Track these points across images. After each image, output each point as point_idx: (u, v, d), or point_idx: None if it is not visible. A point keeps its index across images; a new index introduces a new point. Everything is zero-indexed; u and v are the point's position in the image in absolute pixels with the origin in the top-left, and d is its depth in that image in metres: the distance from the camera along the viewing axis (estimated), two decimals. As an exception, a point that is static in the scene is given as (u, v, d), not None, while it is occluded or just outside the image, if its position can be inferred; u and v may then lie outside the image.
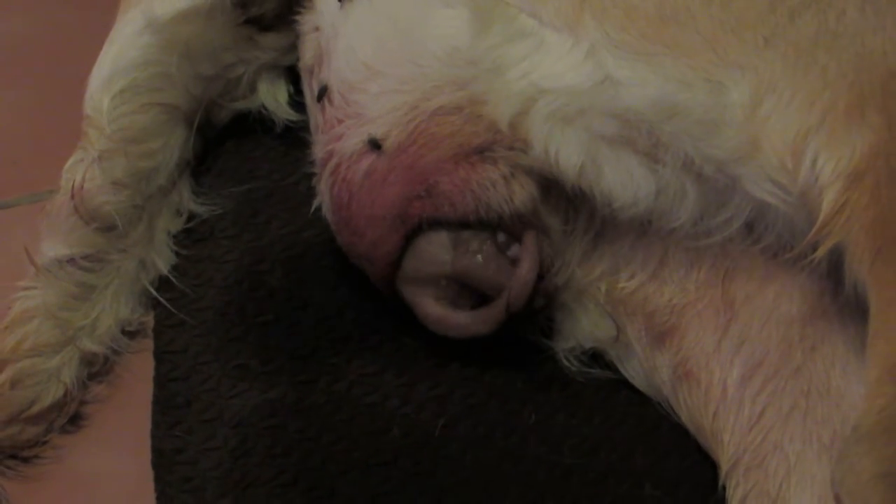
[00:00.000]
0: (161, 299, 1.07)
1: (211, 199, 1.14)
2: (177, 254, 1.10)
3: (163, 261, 1.09)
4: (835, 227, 0.81)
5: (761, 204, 0.86)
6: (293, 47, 1.13)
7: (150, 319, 1.07)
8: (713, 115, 0.85)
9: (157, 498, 0.94)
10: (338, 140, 0.98)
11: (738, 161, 0.85)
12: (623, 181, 0.89)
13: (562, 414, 0.98)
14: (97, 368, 1.04)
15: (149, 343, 1.05)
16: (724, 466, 0.91)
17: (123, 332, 1.06)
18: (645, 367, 0.98)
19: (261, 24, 1.15)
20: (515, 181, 0.93)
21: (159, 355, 1.03)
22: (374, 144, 0.95)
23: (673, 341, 0.95)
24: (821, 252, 0.82)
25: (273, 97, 1.19)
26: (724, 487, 0.91)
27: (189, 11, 1.10)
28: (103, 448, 0.99)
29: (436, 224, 0.95)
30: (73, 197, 1.04)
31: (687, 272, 0.95)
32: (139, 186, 1.07)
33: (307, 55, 1.06)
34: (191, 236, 1.12)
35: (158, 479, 0.95)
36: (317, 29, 1.04)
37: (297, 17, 1.09)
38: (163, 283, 1.08)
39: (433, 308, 0.98)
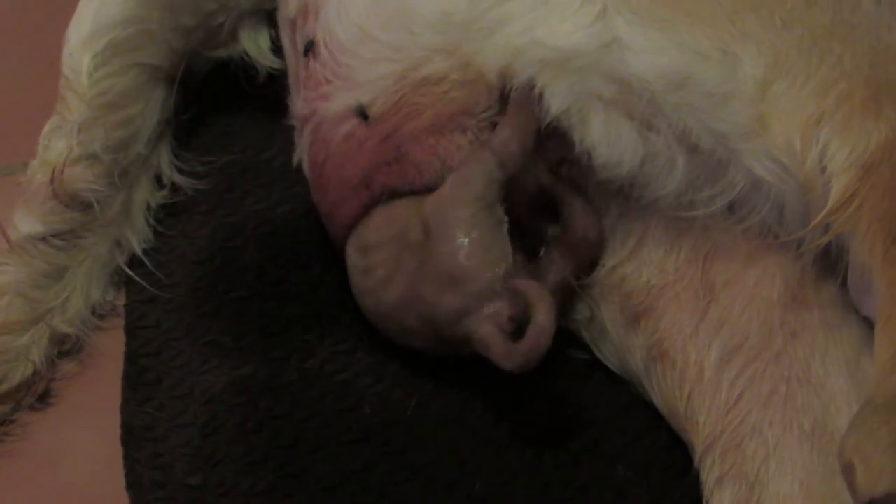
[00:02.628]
0: (133, 276, 1.06)
1: (190, 167, 1.13)
2: (152, 230, 1.09)
3: (137, 238, 1.08)
4: (843, 215, 0.80)
5: (755, 181, 0.85)
6: (276, -7, 1.11)
7: (121, 299, 1.06)
8: (724, 89, 0.84)
9: (126, 474, 0.93)
10: (324, 99, 0.97)
11: (741, 136, 0.84)
12: (609, 139, 0.88)
13: (535, 396, 0.97)
14: (67, 347, 1.03)
15: (119, 321, 1.04)
16: (699, 448, 0.90)
17: (94, 313, 1.05)
18: (619, 349, 0.97)
19: None
20: None
21: (130, 330, 1.03)
22: (362, 113, 0.94)
23: (648, 323, 0.94)
24: (825, 239, 0.82)
25: (255, 44, 1.17)
26: (697, 469, 0.90)
27: None
28: (72, 424, 0.99)
29: (396, 195, 0.94)
30: (52, 182, 1.02)
31: (666, 253, 0.94)
32: (116, 158, 1.06)
33: (290, 5, 1.04)
34: (164, 210, 1.11)
35: (127, 456, 0.94)
36: None
37: (279, -37, 1.07)
38: (135, 258, 1.08)
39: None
